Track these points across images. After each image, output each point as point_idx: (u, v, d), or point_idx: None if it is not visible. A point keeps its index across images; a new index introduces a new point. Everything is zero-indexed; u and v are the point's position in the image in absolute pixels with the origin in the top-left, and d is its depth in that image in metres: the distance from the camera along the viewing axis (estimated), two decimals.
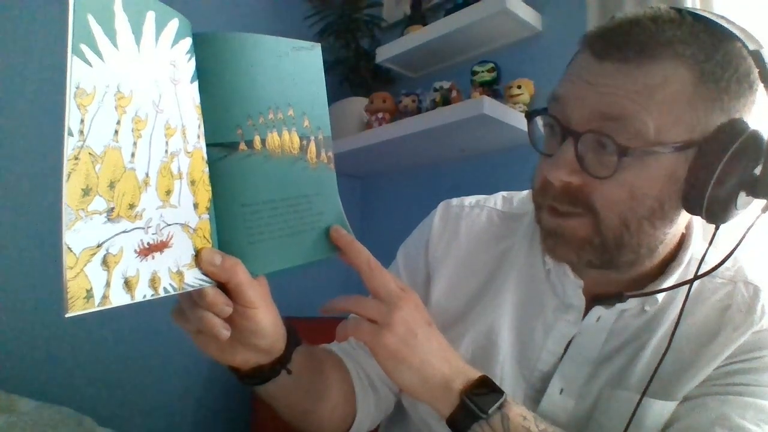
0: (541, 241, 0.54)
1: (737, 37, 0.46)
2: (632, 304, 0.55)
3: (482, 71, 1.30)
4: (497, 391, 0.47)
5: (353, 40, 1.61)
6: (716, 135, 0.45)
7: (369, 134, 1.41)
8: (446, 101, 1.28)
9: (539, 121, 0.54)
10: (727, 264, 0.55)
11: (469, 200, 0.69)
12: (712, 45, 0.46)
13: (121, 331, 1.22)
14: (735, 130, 0.45)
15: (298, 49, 0.48)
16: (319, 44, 0.49)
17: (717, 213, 0.46)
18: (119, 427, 0.87)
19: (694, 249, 0.56)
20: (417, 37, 1.41)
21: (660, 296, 0.54)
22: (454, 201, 0.70)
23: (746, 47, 0.46)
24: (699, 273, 0.49)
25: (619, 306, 0.54)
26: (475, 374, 0.48)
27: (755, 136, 0.45)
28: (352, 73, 1.61)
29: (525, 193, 0.68)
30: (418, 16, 1.51)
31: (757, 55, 0.46)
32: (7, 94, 1.10)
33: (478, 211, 0.67)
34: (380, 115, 1.43)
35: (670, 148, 0.45)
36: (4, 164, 1.09)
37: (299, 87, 0.47)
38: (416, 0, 1.52)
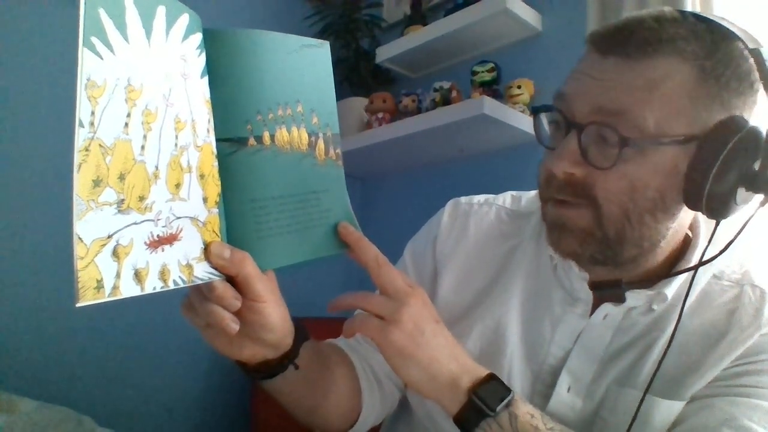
0: (546, 235, 0.55)
1: (738, 36, 0.47)
2: (640, 302, 0.55)
3: (482, 71, 1.30)
4: (505, 389, 0.47)
5: (353, 40, 1.61)
6: (716, 130, 0.46)
7: (369, 134, 1.41)
8: (446, 101, 1.29)
9: (544, 118, 0.55)
10: (733, 267, 0.56)
11: (478, 198, 0.70)
12: (713, 43, 0.47)
13: (121, 331, 1.22)
14: (734, 125, 0.46)
15: (307, 46, 0.48)
16: (328, 42, 0.50)
17: (717, 207, 0.47)
18: (119, 427, 0.86)
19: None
20: (417, 37, 1.41)
21: (669, 294, 0.54)
22: (463, 199, 0.71)
23: (747, 46, 0.47)
24: (701, 270, 0.50)
25: (627, 304, 0.54)
26: (482, 372, 0.48)
27: (754, 132, 0.45)
28: (352, 73, 1.61)
29: (533, 192, 0.69)
30: (418, 16, 1.51)
31: (757, 54, 0.47)
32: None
33: (486, 208, 0.68)
34: (380, 115, 1.43)
35: (671, 141, 0.46)
36: None
37: (308, 84, 0.48)
38: (416, 0, 1.53)
